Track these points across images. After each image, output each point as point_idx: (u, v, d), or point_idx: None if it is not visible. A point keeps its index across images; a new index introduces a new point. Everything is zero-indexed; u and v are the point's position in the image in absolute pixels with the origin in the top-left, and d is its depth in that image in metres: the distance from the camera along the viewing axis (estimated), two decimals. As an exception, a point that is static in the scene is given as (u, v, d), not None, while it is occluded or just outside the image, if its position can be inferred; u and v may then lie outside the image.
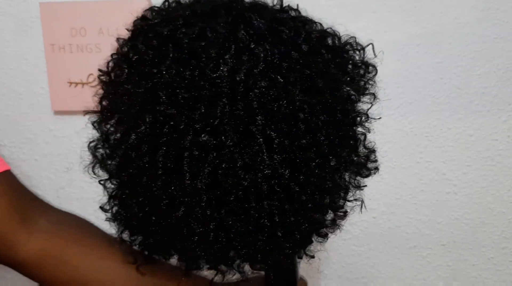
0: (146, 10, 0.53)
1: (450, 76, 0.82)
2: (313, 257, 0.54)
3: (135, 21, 0.53)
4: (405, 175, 0.86)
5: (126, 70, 0.49)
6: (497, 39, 0.79)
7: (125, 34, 0.53)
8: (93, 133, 0.54)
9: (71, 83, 0.86)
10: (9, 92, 0.89)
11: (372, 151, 0.53)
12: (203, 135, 0.43)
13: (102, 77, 0.53)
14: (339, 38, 0.52)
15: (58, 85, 0.86)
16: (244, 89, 0.43)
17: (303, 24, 0.50)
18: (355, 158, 0.51)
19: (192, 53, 0.45)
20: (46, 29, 0.84)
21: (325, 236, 0.52)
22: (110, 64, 0.52)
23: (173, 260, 0.53)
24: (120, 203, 0.51)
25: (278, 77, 0.44)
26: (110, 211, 0.53)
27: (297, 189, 0.45)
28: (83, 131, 0.89)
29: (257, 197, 0.44)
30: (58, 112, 0.89)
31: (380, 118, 0.55)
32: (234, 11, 0.48)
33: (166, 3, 0.52)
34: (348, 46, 0.52)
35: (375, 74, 0.53)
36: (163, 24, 0.48)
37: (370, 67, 0.53)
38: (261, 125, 0.43)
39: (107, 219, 0.53)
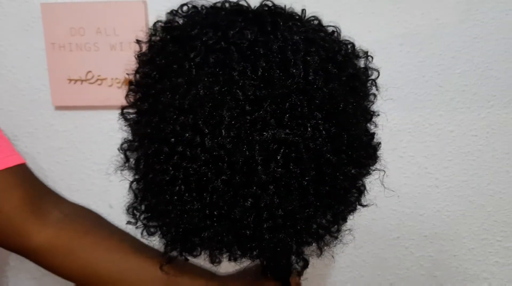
0: (168, 14, 0.54)
1: (431, 74, 0.84)
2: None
3: (155, 24, 0.54)
4: (389, 169, 0.88)
5: (156, 74, 0.49)
6: (477, 39, 0.82)
7: (145, 37, 0.54)
8: (124, 134, 0.56)
9: (70, 80, 0.88)
10: (12, 88, 0.91)
11: (376, 148, 0.55)
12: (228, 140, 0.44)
13: (133, 77, 0.55)
14: (353, 46, 0.55)
15: (58, 81, 0.88)
16: (279, 100, 0.45)
17: (326, 34, 0.53)
18: (364, 156, 0.53)
19: (222, 67, 0.46)
20: (46, 28, 0.86)
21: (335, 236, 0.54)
22: (139, 64, 0.54)
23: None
24: (148, 204, 0.53)
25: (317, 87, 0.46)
26: (135, 212, 0.54)
27: (326, 188, 0.48)
28: (82, 126, 0.93)
29: (282, 194, 0.46)
30: (58, 108, 0.91)
31: (378, 115, 0.59)
32: (262, 19, 0.49)
33: (185, 7, 0.53)
34: (357, 54, 0.55)
35: (378, 77, 0.57)
36: (193, 33, 0.48)
37: (375, 72, 0.57)
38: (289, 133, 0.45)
39: (129, 222, 0.55)
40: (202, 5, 0.53)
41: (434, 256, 0.92)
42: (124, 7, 0.84)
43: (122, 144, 0.56)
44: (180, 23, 0.52)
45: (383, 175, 0.57)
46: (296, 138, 0.45)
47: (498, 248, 0.91)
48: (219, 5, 0.52)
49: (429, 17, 0.82)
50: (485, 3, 0.81)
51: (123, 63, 0.86)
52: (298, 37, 0.47)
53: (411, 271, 0.94)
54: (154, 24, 0.54)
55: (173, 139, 0.46)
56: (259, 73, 0.45)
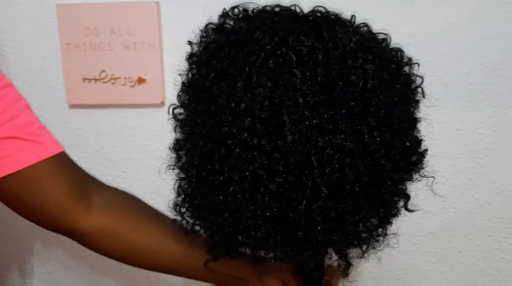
0: (220, 17, 0.54)
1: (439, 73, 0.85)
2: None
3: (207, 26, 0.54)
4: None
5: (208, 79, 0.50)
6: (484, 39, 0.83)
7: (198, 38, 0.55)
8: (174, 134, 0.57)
9: (85, 79, 0.90)
10: (29, 87, 0.93)
11: (424, 154, 0.56)
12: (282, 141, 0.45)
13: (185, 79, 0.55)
14: (403, 53, 0.56)
15: (73, 81, 0.91)
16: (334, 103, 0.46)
17: (378, 42, 0.55)
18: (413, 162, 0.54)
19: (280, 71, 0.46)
20: (62, 29, 0.89)
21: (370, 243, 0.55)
22: (190, 69, 0.55)
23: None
24: (198, 203, 0.54)
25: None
26: (181, 210, 0.57)
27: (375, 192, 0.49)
28: (96, 123, 0.95)
29: (326, 196, 0.47)
30: (73, 106, 0.94)
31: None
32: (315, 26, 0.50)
33: (236, 10, 0.54)
34: (406, 61, 0.56)
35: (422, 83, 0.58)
36: (249, 39, 0.49)
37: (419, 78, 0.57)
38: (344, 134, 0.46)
39: (177, 215, 0.57)
40: (254, 9, 0.54)
41: (440, 252, 0.94)
42: (138, 7, 0.86)
43: (174, 144, 0.57)
44: (231, 25, 0.53)
45: (433, 181, 0.59)
46: (353, 144, 0.46)
47: (504, 245, 0.92)
48: (269, 8, 0.53)
49: (437, 17, 0.83)
50: (493, 4, 0.82)
51: (136, 62, 0.89)
52: (354, 45, 0.48)
53: (418, 267, 0.95)
54: (206, 26, 0.55)
55: (229, 141, 0.47)
56: (319, 79, 0.46)
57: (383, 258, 0.94)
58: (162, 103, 0.91)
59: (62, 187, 0.58)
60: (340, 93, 0.46)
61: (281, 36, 0.48)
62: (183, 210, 0.57)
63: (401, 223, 0.91)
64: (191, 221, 0.57)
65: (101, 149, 0.96)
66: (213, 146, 0.49)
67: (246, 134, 0.46)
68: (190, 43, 0.55)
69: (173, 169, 0.58)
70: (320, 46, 0.47)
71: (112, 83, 0.90)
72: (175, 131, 0.58)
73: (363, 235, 0.52)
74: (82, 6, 0.88)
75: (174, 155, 0.57)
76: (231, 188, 0.48)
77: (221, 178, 0.48)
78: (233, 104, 0.47)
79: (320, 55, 0.46)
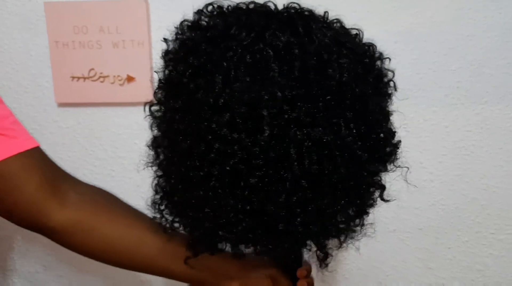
0: (195, 14, 0.54)
1: (426, 71, 0.86)
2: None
3: (182, 23, 0.54)
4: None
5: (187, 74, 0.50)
6: (469, 37, 0.84)
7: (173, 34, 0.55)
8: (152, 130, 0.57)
9: (73, 77, 0.90)
10: (16, 85, 0.93)
11: (397, 146, 0.57)
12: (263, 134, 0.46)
13: (161, 74, 0.55)
14: (374, 48, 0.57)
15: (62, 79, 0.90)
16: (308, 96, 0.47)
17: (351, 37, 0.56)
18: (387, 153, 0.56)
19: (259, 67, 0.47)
20: (50, 27, 0.88)
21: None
22: (166, 63, 0.54)
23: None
24: (177, 200, 0.55)
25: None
26: (160, 208, 0.57)
27: (351, 183, 0.50)
28: (85, 122, 0.95)
29: (302, 188, 0.48)
30: (61, 104, 0.93)
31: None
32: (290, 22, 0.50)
33: (210, 7, 0.54)
34: (378, 55, 0.58)
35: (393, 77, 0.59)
36: (224, 35, 0.50)
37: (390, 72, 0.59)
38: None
39: (156, 213, 0.57)
40: (228, 5, 0.54)
41: (429, 248, 0.95)
42: (126, 5, 0.86)
43: (152, 141, 0.57)
44: (207, 22, 0.53)
45: (407, 171, 0.60)
46: (330, 137, 0.47)
47: (491, 241, 0.93)
48: (243, 6, 0.54)
49: (424, 15, 0.84)
50: (477, 2, 0.83)
51: (125, 60, 0.89)
52: (329, 40, 0.49)
53: (407, 263, 0.96)
54: (181, 23, 0.55)
55: (209, 136, 0.47)
56: (296, 73, 0.47)
57: (372, 254, 0.96)
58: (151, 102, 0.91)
59: (35, 183, 0.57)
60: (317, 87, 0.47)
61: (258, 32, 0.48)
62: (162, 207, 0.57)
63: (390, 220, 0.93)
64: (170, 218, 0.57)
65: (90, 148, 0.96)
66: (192, 142, 0.49)
67: (225, 129, 0.46)
68: (165, 40, 0.56)
69: (151, 166, 0.57)
70: (296, 41, 0.48)
71: (101, 82, 0.90)
72: (151, 128, 0.57)
73: (341, 226, 0.53)
74: (70, 4, 0.87)
75: (152, 153, 0.57)
76: (211, 183, 0.48)
77: (201, 174, 0.48)
78: (211, 100, 0.47)
79: (296, 50, 0.47)
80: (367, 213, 0.57)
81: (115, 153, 0.95)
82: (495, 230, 0.93)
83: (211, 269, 0.63)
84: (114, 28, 0.87)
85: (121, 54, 0.88)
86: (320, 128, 0.47)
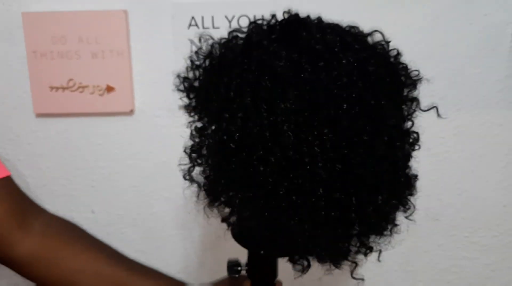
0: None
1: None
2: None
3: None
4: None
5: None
6: (443, 46, 0.87)
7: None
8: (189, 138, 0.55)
9: (52, 87, 0.89)
10: (-6, 96, 0.91)
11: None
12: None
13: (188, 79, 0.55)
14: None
15: (40, 89, 0.89)
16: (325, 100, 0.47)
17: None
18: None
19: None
20: (28, 37, 0.87)
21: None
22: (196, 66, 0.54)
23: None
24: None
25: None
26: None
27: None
28: (64, 132, 0.94)
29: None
30: (40, 115, 0.92)
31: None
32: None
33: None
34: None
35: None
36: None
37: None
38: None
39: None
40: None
41: (406, 252, 0.97)
42: (106, 16, 0.86)
43: (196, 148, 0.54)
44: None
45: None
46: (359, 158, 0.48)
47: (465, 243, 0.96)
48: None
49: (400, 24, 0.86)
50: (453, 12, 0.86)
51: (105, 71, 0.88)
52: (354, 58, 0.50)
53: (385, 267, 0.98)
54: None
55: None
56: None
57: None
58: (131, 111, 0.91)
59: (2, 213, 0.57)
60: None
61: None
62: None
63: (368, 225, 0.95)
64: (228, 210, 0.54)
65: (69, 158, 0.95)
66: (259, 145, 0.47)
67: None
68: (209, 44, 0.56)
69: (190, 172, 0.54)
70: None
71: (80, 92, 0.90)
72: (193, 137, 0.55)
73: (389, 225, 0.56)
74: (48, 14, 0.87)
75: (194, 158, 0.54)
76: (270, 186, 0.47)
77: (262, 178, 0.47)
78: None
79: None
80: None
81: (95, 163, 0.95)
82: (469, 233, 0.96)
83: None
84: (93, 38, 0.87)
85: (101, 64, 0.88)
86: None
